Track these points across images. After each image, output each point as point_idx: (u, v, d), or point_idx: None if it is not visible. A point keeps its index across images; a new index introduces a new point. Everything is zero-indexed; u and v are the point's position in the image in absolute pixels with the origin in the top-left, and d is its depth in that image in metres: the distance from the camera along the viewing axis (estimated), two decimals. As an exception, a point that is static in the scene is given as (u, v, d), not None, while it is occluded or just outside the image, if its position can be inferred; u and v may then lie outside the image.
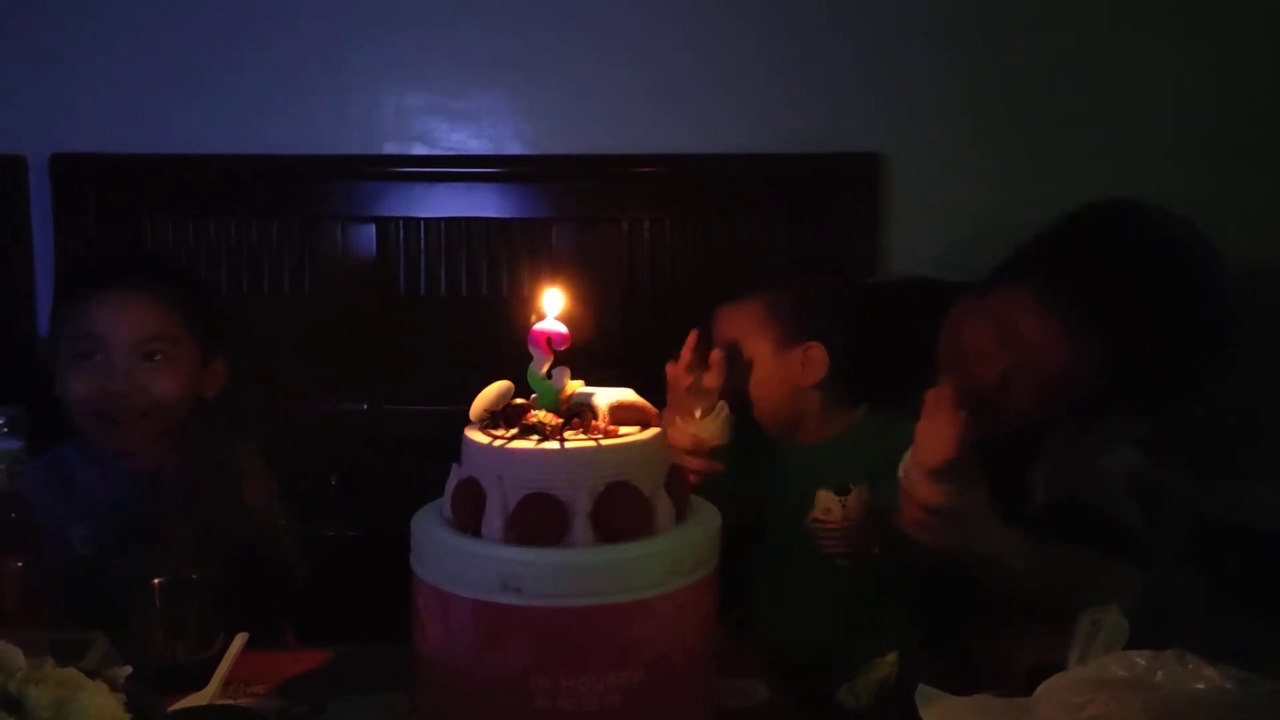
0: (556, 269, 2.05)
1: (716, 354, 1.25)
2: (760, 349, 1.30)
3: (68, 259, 2.02)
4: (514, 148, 2.12)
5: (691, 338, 1.27)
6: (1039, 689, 0.91)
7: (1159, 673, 0.88)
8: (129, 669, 0.93)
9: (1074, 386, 1.20)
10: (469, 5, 2.05)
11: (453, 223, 2.06)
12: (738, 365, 1.29)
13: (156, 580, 1.11)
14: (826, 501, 1.22)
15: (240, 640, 1.08)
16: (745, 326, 1.31)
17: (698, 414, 1.23)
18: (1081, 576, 1.19)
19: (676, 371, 1.25)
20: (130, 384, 1.34)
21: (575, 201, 2.06)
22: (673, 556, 0.86)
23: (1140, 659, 0.90)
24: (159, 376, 1.35)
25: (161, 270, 1.48)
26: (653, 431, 0.91)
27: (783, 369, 1.29)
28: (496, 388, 0.96)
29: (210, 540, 1.30)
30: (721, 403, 1.24)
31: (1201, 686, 0.86)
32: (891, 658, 0.98)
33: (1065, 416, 1.27)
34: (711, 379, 1.24)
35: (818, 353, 1.29)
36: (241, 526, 1.42)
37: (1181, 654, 0.89)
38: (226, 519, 1.39)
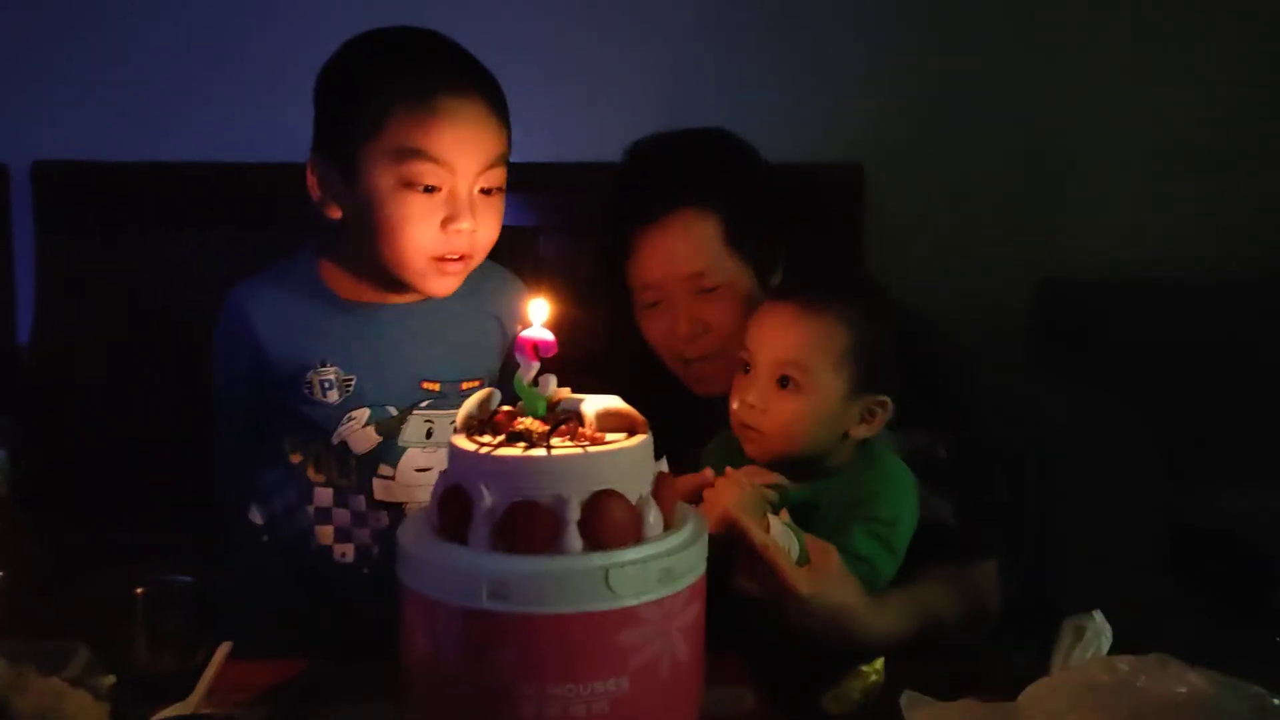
0: (542, 278, 2.05)
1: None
2: (830, 388, 1.13)
3: (50, 267, 2.01)
4: (500, 157, 2.12)
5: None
6: (1023, 694, 0.92)
7: (1141, 677, 0.89)
8: (112, 678, 0.93)
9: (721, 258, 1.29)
10: (454, 13, 2.06)
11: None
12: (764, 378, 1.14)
13: (139, 589, 1.11)
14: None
15: (224, 649, 1.07)
16: (819, 354, 1.13)
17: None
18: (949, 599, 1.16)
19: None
20: (473, 224, 1.14)
21: (562, 210, 2.07)
22: (660, 564, 0.86)
23: (1123, 664, 0.91)
24: (493, 215, 1.17)
25: (483, 67, 1.21)
26: (640, 439, 0.91)
27: (841, 417, 1.14)
28: (482, 395, 0.96)
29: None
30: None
31: (1184, 691, 0.87)
32: (877, 664, 0.99)
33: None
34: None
35: (885, 409, 1.15)
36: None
37: (1164, 659, 0.89)
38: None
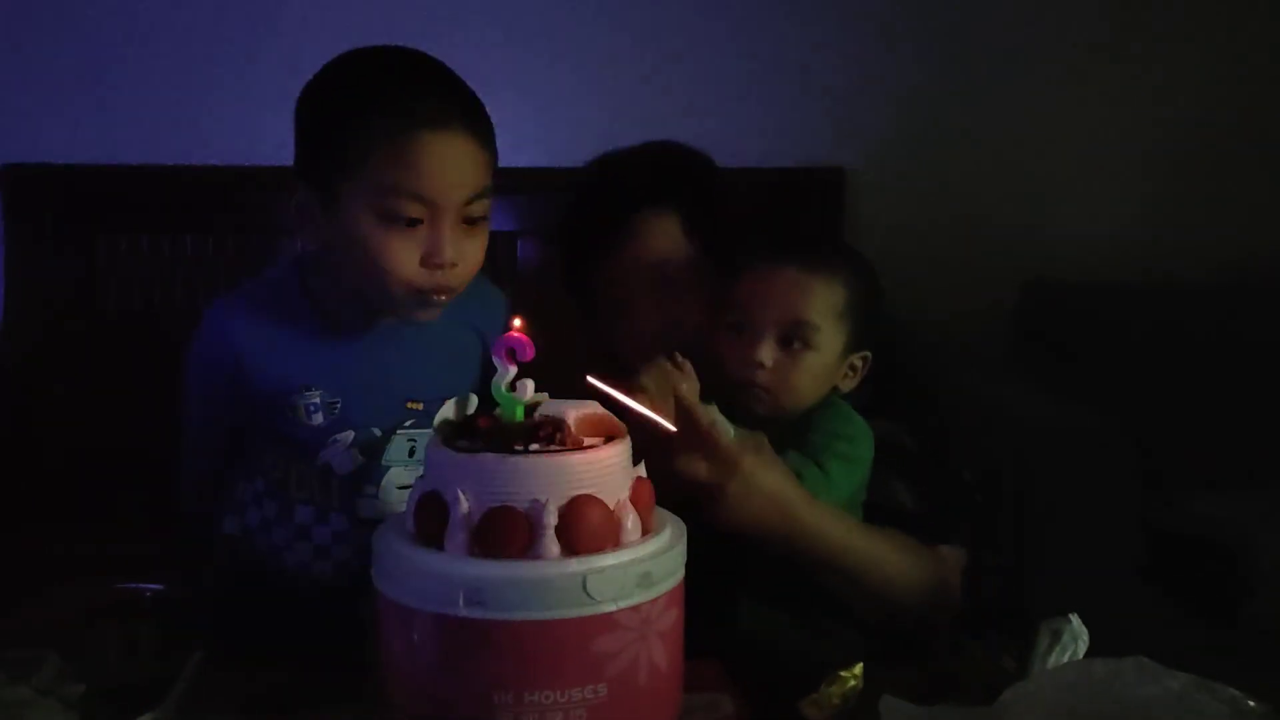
0: (520, 282, 2.05)
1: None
2: (833, 344, 1.18)
3: (20, 272, 1.99)
4: (477, 160, 2.11)
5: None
6: (1000, 698, 0.92)
7: (1118, 681, 0.89)
8: (82, 687, 0.92)
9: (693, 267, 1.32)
10: (433, 17, 2.05)
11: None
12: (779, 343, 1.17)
13: (110, 598, 1.09)
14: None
15: (197, 658, 1.06)
16: (825, 312, 1.17)
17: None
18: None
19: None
20: (456, 256, 1.11)
21: (540, 214, 2.07)
22: (639, 569, 0.86)
23: (1100, 667, 0.91)
24: (476, 245, 1.13)
25: (470, 95, 1.16)
26: (618, 444, 0.91)
27: (835, 372, 1.20)
28: (460, 399, 0.96)
29: None
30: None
31: (1160, 693, 0.87)
32: (856, 669, 0.99)
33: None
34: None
35: (866, 363, 1.22)
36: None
37: (1141, 662, 0.90)
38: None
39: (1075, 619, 0.98)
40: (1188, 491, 1.97)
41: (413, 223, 1.09)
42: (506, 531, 0.85)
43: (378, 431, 1.21)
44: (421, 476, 0.93)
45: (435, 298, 1.14)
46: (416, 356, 1.22)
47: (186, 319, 1.76)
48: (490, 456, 0.87)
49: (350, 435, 1.20)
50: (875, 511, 1.20)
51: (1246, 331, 2.17)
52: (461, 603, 0.84)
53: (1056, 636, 0.97)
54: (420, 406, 1.22)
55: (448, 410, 0.95)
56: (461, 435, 0.92)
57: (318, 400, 1.18)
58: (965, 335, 2.16)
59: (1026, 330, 2.29)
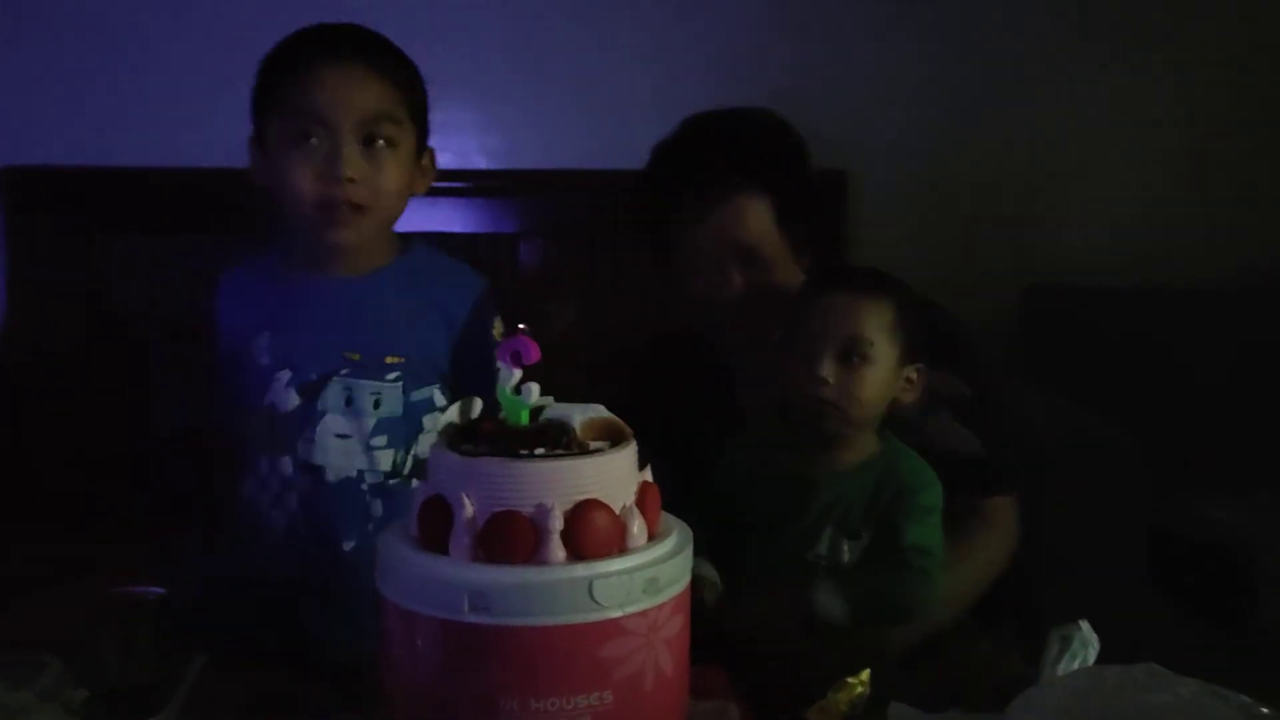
0: (523, 285, 2.04)
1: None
2: (889, 354, 1.24)
3: (20, 273, 1.98)
4: (479, 162, 2.12)
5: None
6: (1010, 705, 0.91)
7: (1129, 687, 0.88)
8: (84, 692, 0.91)
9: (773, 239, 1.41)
10: (433, 18, 2.05)
11: (417, 238, 2.04)
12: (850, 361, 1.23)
13: (109, 601, 1.09)
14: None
15: (200, 662, 1.05)
16: (877, 327, 1.24)
17: None
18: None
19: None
20: (352, 170, 1.23)
21: (542, 216, 2.06)
22: (645, 575, 0.85)
23: (1110, 674, 0.90)
24: (382, 166, 1.26)
25: (383, 45, 1.32)
26: (624, 447, 0.90)
27: (892, 383, 1.25)
28: (464, 403, 0.95)
29: None
30: None
31: (1172, 700, 0.86)
32: (864, 676, 0.98)
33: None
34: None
35: (921, 377, 1.27)
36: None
37: (1152, 668, 0.89)
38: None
39: (1085, 625, 0.97)
40: (1194, 495, 1.96)
41: (308, 137, 1.23)
42: (511, 536, 0.84)
43: (313, 375, 1.29)
44: (425, 480, 0.92)
45: (337, 215, 1.24)
46: (362, 311, 1.30)
47: (186, 320, 1.75)
48: (494, 460, 0.86)
49: (288, 374, 1.29)
50: (944, 460, 1.25)
51: (1249, 334, 2.16)
52: (466, 608, 0.83)
53: (1066, 643, 0.96)
54: (357, 358, 1.29)
55: (452, 414, 0.94)
56: (466, 439, 0.91)
57: (266, 341, 1.29)
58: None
59: (1029, 334, 2.28)
